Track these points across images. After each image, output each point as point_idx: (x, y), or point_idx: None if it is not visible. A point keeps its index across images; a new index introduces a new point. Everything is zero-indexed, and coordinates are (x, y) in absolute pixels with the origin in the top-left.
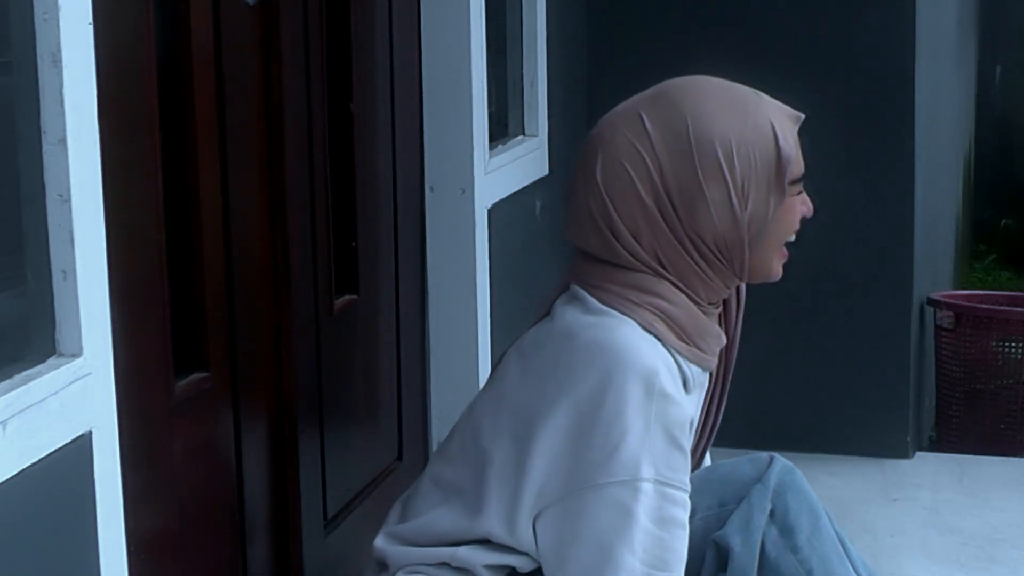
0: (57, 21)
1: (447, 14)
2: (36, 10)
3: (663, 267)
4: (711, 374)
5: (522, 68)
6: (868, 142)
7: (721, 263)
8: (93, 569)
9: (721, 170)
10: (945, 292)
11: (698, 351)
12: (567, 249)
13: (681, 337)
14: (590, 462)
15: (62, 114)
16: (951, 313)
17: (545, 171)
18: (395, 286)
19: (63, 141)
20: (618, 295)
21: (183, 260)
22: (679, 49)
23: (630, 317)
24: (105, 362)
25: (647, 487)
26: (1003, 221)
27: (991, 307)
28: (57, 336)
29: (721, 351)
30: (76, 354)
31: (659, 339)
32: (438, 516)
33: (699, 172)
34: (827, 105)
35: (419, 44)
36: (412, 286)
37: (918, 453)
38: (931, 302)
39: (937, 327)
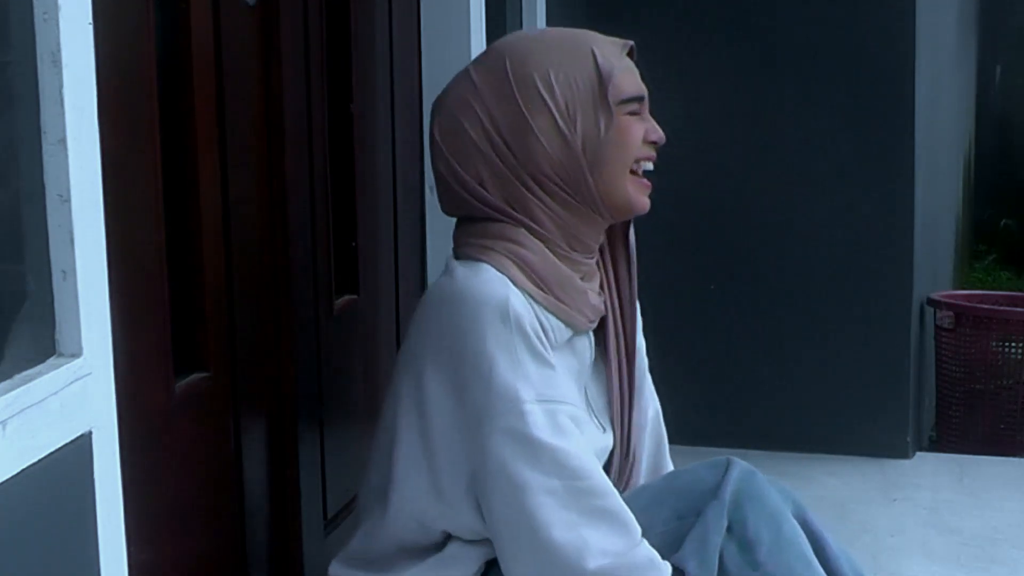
0: (57, 21)
1: (447, 14)
2: (36, 10)
3: (516, 211)
4: (609, 350)
5: None
6: (868, 142)
7: (567, 195)
8: (93, 569)
9: (543, 98)
10: (945, 292)
11: (557, 301)
12: None
13: (536, 284)
14: (474, 410)
15: (62, 114)
16: (951, 313)
17: None
18: (395, 286)
19: (63, 141)
20: (475, 246)
21: (183, 260)
22: (679, 50)
23: (483, 262)
24: (105, 362)
25: (531, 408)
26: (1003, 221)
27: (991, 307)
28: (57, 336)
29: (615, 319)
30: (76, 354)
31: (513, 283)
32: (378, 528)
33: (522, 105)
34: (827, 105)
35: (419, 44)
36: (412, 286)
37: (918, 453)
38: (931, 302)
39: (937, 327)
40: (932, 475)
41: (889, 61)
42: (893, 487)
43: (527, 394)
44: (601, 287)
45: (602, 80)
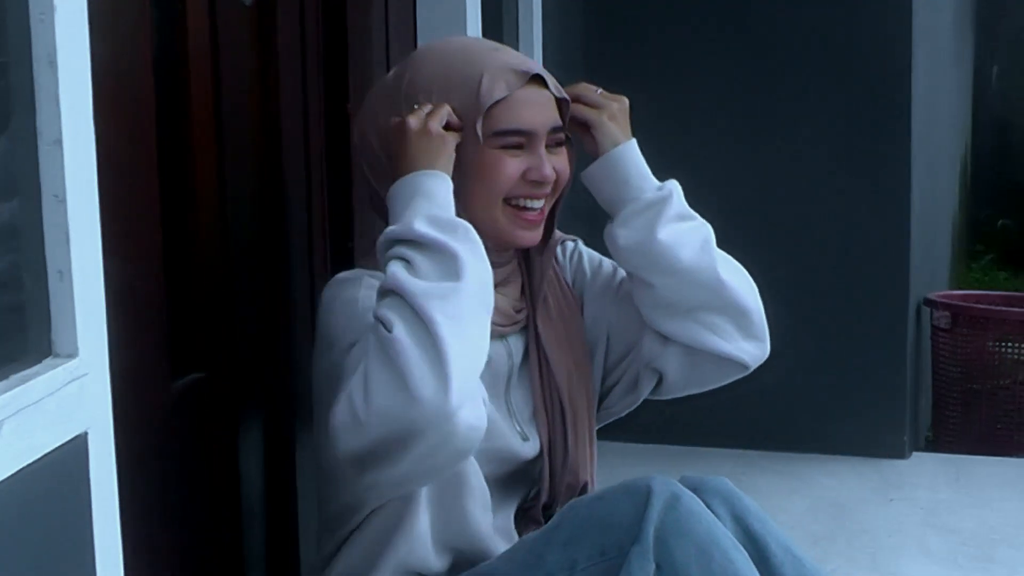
0: (53, 22)
1: (443, 14)
2: (32, 11)
3: None
4: (530, 353)
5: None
6: (865, 142)
7: None
8: (89, 570)
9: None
10: (942, 292)
11: None
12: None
13: None
14: (320, 369)
15: (58, 115)
16: (948, 313)
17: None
18: None
19: (59, 142)
20: (368, 256)
21: (179, 260)
22: (675, 49)
23: (365, 269)
24: (101, 363)
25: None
26: (1000, 221)
27: (988, 307)
28: (53, 337)
29: (532, 332)
30: (72, 355)
31: None
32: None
33: (386, 117)
34: (824, 106)
35: (415, 44)
36: None
37: (915, 453)
38: (928, 302)
39: (934, 327)
40: (929, 475)
41: (886, 62)
42: (890, 487)
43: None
44: (523, 292)
45: (477, 108)
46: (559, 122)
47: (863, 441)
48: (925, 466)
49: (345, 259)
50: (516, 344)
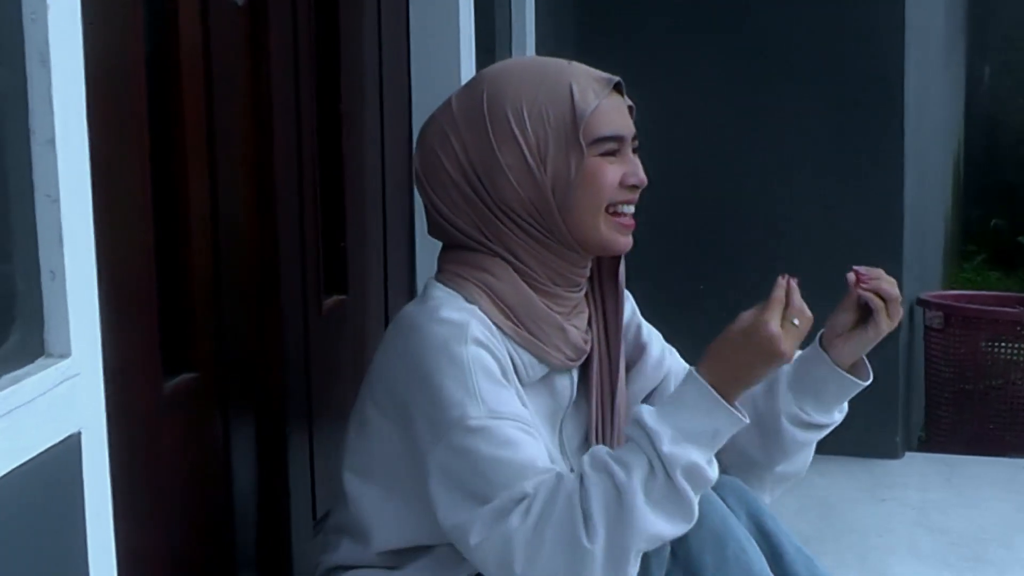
0: (45, 21)
1: (436, 14)
2: (24, 10)
3: (492, 243)
4: (592, 389)
5: (511, 45)
6: (857, 143)
7: (539, 231)
8: (81, 569)
9: (513, 134)
10: (934, 292)
11: (530, 336)
12: None
13: (508, 317)
14: (421, 426)
15: (51, 114)
16: (940, 313)
17: None
18: (384, 286)
19: (52, 141)
20: (450, 272)
21: (172, 260)
22: (668, 50)
23: (455, 291)
24: (94, 362)
25: (478, 424)
26: (992, 221)
27: (980, 307)
28: (45, 336)
29: (600, 357)
30: (65, 354)
31: (485, 314)
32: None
33: (492, 139)
34: (816, 106)
35: (408, 44)
36: (401, 286)
37: (907, 453)
38: (920, 302)
39: (926, 327)
40: (921, 475)
41: (878, 62)
42: (882, 487)
43: (475, 411)
44: (589, 323)
45: (575, 118)
46: (634, 129)
47: (855, 441)
48: (917, 466)
49: (337, 259)
50: (575, 376)
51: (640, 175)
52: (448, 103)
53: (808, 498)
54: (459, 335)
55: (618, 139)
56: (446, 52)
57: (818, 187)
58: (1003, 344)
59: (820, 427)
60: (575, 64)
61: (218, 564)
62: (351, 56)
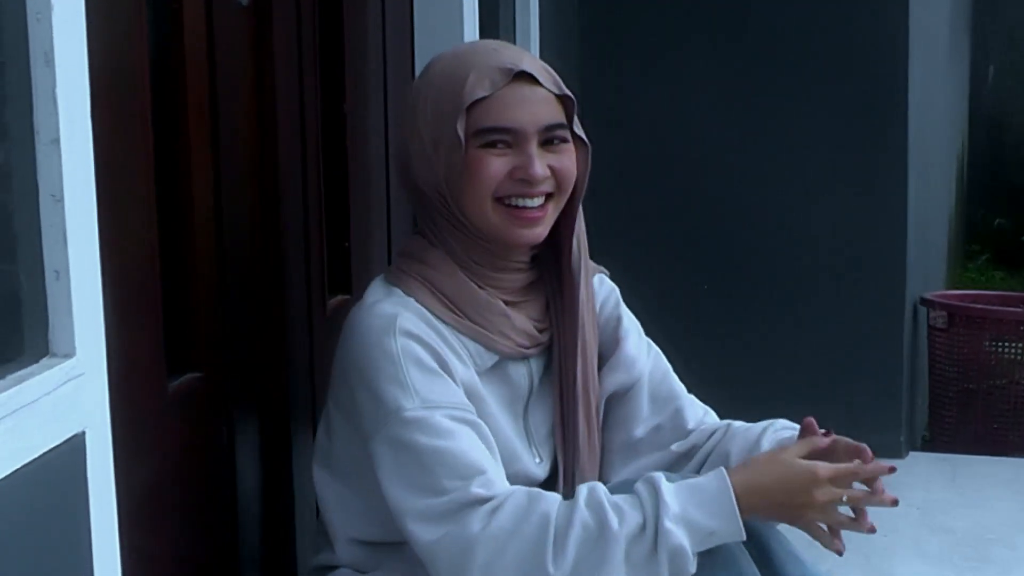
0: (50, 21)
1: (440, 14)
2: (29, 10)
3: (428, 224)
4: (553, 372)
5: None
6: (861, 142)
7: (452, 219)
8: (86, 569)
9: (416, 120)
10: (938, 292)
11: (472, 325)
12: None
13: (449, 307)
14: (363, 421)
15: (55, 114)
16: (944, 313)
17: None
18: None
19: (56, 141)
20: (394, 268)
21: (176, 260)
22: (671, 48)
23: (396, 287)
24: (98, 362)
25: (413, 415)
26: (996, 221)
27: (984, 307)
28: (50, 336)
29: (559, 344)
30: (69, 354)
31: (424, 306)
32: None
33: (408, 124)
34: (820, 105)
35: (412, 44)
36: None
37: (911, 453)
38: (924, 302)
39: (930, 327)
40: (925, 475)
41: (882, 62)
42: (886, 486)
43: (409, 403)
44: (547, 310)
45: (459, 107)
46: (557, 119)
47: (859, 440)
48: (921, 466)
49: (341, 259)
50: (536, 364)
51: (531, 170)
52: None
53: None
54: (388, 327)
55: (509, 131)
56: (451, 40)
57: (822, 187)
58: (1007, 344)
59: None
60: (501, 51)
61: (222, 564)
62: (355, 56)
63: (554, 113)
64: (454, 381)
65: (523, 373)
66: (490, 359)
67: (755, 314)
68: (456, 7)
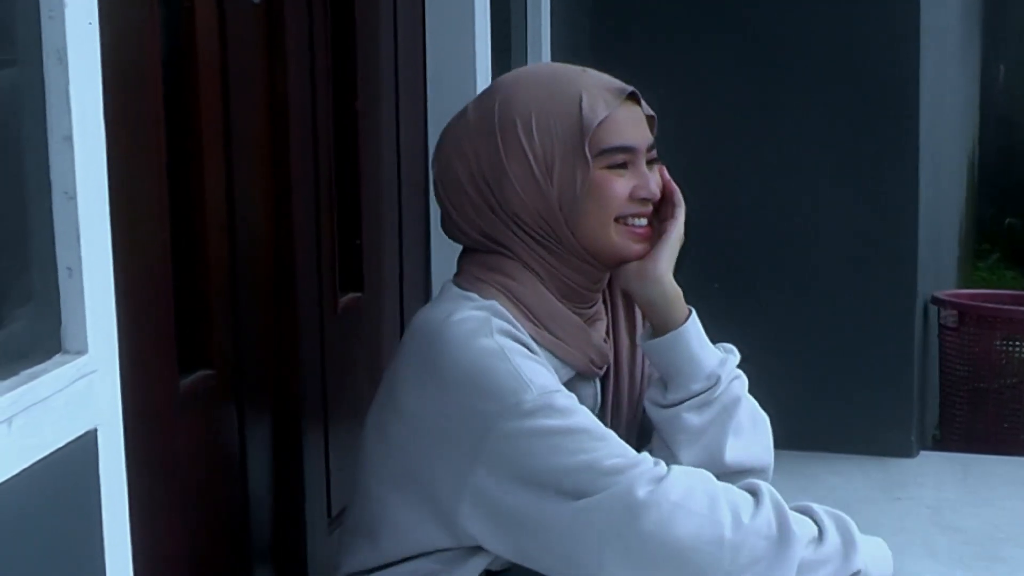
0: (63, 19)
1: (452, 13)
2: (42, 8)
3: (505, 251)
4: (609, 401)
5: (526, 50)
6: (872, 141)
7: (549, 241)
8: (98, 565)
9: (521, 144)
10: (949, 291)
11: (553, 338)
12: None
13: (530, 319)
14: (470, 420)
15: (68, 112)
16: (955, 312)
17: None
18: (399, 284)
19: (69, 139)
20: (468, 274)
21: (188, 258)
22: (683, 52)
23: (471, 292)
24: (110, 359)
25: (535, 405)
26: (1007, 220)
27: (995, 306)
28: (62, 333)
29: (618, 365)
30: (81, 351)
31: (505, 313)
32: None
33: (501, 148)
34: (831, 105)
35: (424, 42)
36: (416, 284)
37: (921, 452)
38: (935, 301)
39: (941, 326)
40: (935, 474)
41: (894, 60)
42: (896, 486)
43: (529, 395)
44: (608, 333)
45: (582, 129)
46: (652, 139)
47: (870, 440)
48: (931, 465)
49: (353, 257)
50: (598, 385)
51: (651, 188)
52: (464, 111)
53: (823, 497)
54: (482, 329)
55: (628, 150)
56: (462, 51)
57: (832, 185)
58: (1018, 343)
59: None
60: (590, 73)
61: (233, 561)
62: (367, 55)
63: (649, 132)
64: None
65: (590, 393)
66: (566, 375)
67: (766, 312)
68: (468, 7)
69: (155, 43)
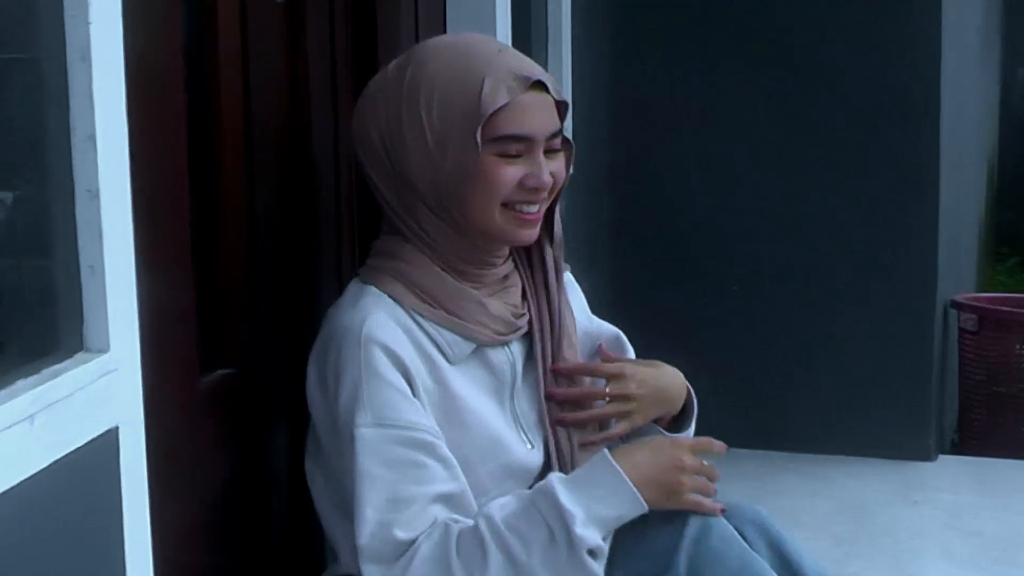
0: (87, 18)
1: (473, 12)
2: (66, 7)
3: (404, 215)
4: (537, 362)
5: (546, 67)
6: (892, 144)
7: (444, 214)
8: (119, 563)
9: (420, 117)
10: (968, 295)
11: (448, 315)
12: (589, 250)
13: (424, 300)
14: (325, 429)
15: (91, 110)
16: (974, 316)
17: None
18: None
19: (92, 137)
20: (368, 266)
21: (209, 256)
22: (701, 49)
23: (370, 285)
24: (132, 358)
25: (365, 433)
26: None
27: (1014, 310)
28: (84, 331)
29: (540, 329)
30: (103, 349)
31: (397, 301)
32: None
33: (404, 116)
34: (850, 108)
35: None
36: None
37: (940, 456)
38: (954, 304)
39: (960, 330)
40: (954, 478)
41: (914, 63)
42: (915, 490)
43: (362, 419)
44: (525, 297)
45: (478, 114)
46: (558, 126)
47: (888, 443)
48: (950, 469)
49: None
50: (518, 350)
51: (540, 178)
52: (386, 70)
53: (841, 500)
54: (356, 333)
55: (524, 139)
56: None
57: (853, 188)
58: None
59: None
60: (505, 53)
61: (254, 560)
62: (388, 53)
63: (556, 119)
64: (415, 392)
65: (504, 359)
66: (468, 347)
67: (786, 316)
68: (489, 5)
69: (177, 42)
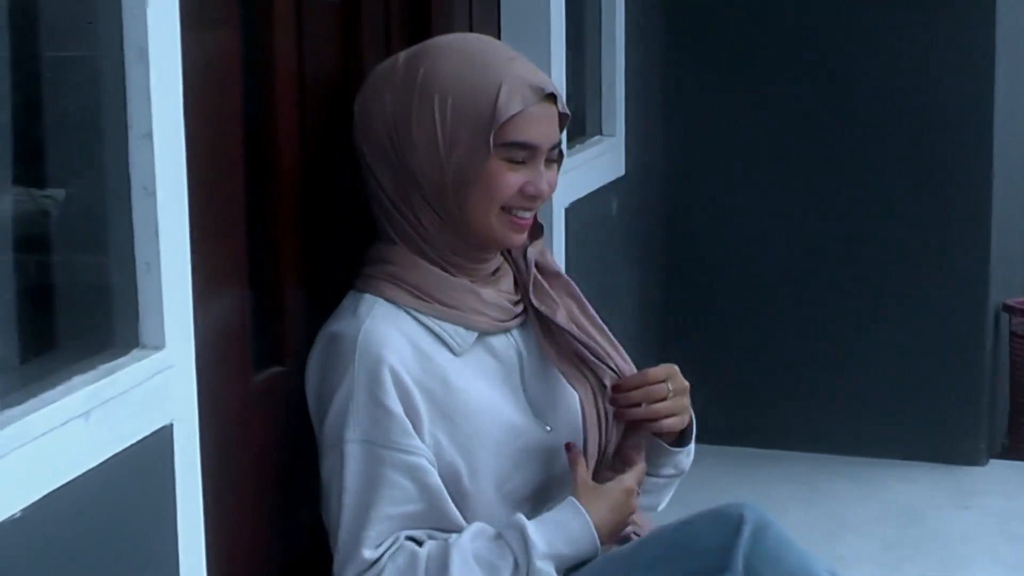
0: (144, 16)
1: (528, 11)
2: (124, 5)
3: (402, 204)
4: (541, 341)
5: (600, 67)
6: (945, 145)
7: (439, 209)
8: (172, 558)
9: (433, 116)
10: (1020, 298)
11: (444, 308)
12: (642, 251)
13: (419, 296)
14: (316, 431)
15: (148, 108)
16: None
17: (621, 171)
18: None
19: (149, 135)
20: (364, 275)
21: (263, 254)
22: (754, 48)
23: (365, 293)
24: (187, 355)
25: (352, 449)
26: None
27: None
28: (140, 328)
29: (536, 313)
30: (159, 347)
31: (394, 303)
32: None
33: (414, 113)
34: (903, 111)
35: (499, 39)
36: None
37: (991, 460)
38: (1006, 308)
39: (1012, 333)
40: (1004, 482)
41: (968, 65)
42: (965, 494)
43: (351, 434)
44: (518, 285)
45: (493, 120)
46: (559, 137)
47: (939, 447)
48: (1001, 473)
49: None
50: (522, 334)
51: (539, 186)
52: (396, 60)
53: (890, 504)
54: (350, 343)
55: (530, 148)
56: (537, 50)
57: (905, 191)
58: None
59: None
60: (518, 62)
61: (304, 555)
62: None
63: (558, 131)
64: (410, 402)
65: (507, 345)
66: (470, 336)
67: (838, 319)
68: (544, 5)
69: (235, 41)
